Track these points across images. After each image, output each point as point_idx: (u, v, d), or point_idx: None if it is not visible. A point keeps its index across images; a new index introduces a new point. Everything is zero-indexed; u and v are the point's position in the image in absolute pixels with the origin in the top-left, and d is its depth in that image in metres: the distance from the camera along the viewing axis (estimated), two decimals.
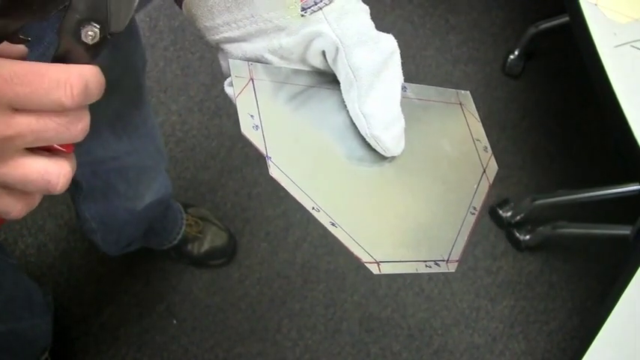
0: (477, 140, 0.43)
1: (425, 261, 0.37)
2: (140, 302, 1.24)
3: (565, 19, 1.45)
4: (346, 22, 0.36)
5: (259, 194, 1.35)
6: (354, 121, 0.38)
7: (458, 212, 0.40)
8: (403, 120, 0.38)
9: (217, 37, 0.40)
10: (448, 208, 0.40)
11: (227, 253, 1.28)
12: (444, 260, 0.37)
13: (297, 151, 0.37)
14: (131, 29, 0.66)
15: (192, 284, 1.27)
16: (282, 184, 0.35)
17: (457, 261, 0.38)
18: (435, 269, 0.37)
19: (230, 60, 0.39)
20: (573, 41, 0.81)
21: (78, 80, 0.28)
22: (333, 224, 0.35)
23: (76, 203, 0.97)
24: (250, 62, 0.39)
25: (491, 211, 1.38)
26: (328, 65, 0.39)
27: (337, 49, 0.37)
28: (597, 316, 0.65)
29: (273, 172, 0.35)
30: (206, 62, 1.49)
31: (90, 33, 0.29)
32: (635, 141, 0.71)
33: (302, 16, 0.37)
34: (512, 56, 1.57)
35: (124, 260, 1.22)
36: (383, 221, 0.37)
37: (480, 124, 0.44)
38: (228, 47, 0.41)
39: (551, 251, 1.37)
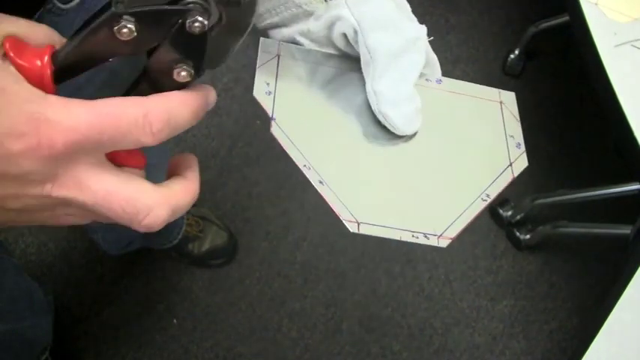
0: (511, 136, 0.45)
1: (413, 231, 0.38)
2: (140, 302, 1.24)
3: (565, 18, 1.45)
4: (365, 8, 0.41)
5: (259, 194, 1.35)
6: (368, 99, 0.42)
7: (468, 195, 0.41)
8: (418, 102, 0.41)
9: (263, 24, 0.45)
10: (459, 190, 0.41)
11: (227, 253, 1.28)
12: (435, 235, 0.38)
13: (304, 119, 0.40)
14: None
15: (192, 284, 1.27)
16: (280, 142, 0.38)
17: (450, 239, 0.38)
18: (422, 241, 0.38)
19: (261, 38, 0.45)
20: (573, 41, 0.81)
21: (158, 116, 0.26)
22: (320, 182, 0.38)
23: None
24: (280, 42, 0.44)
25: (491, 210, 1.38)
26: (353, 48, 0.44)
27: (356, 32, 0.41)
28: (597, 316, 0.65)
29: (274, 130, 0.39)
30: None
31: (183, 73, 0.28)
32: (635, 141, 0.71)
33: (325, 1, 0.43)
34: (512, 56, 1.57)
35: (124, 260, 1.22)
36: (379, 190, 0.40)
37: (519, 124, 0.46)
38: (272, 33, 0.46)
39: (551, 251, 1.37)
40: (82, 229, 1.11)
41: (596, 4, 0.78)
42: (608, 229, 1.24)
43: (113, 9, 0.26)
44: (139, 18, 0.26)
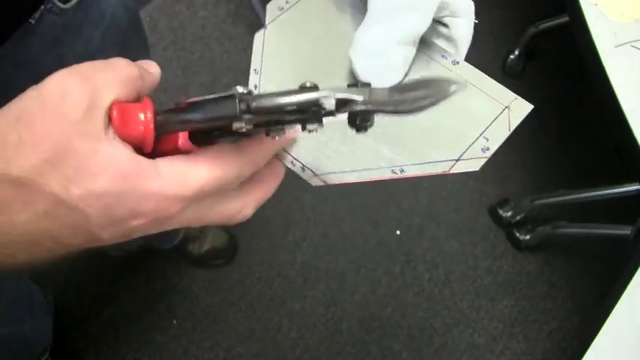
0: (485, 138, 0.43)
1: (295, 158, 0.38)
2: (140, 302, 1.24)
3: (565, 19, 1.45)
4: None
5: None
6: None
7: (380, 161, 0.40)
8: (395, 60, 0.40)
9: None
10: (375, 152, 0.40)
11: (227, 253, 1.28)
12: (313, 172, 0.38)
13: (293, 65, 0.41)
14: (137, 27, 0.66)
15: (192, 284, 1.27)
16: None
17: (325, 183, 0.38)
18: (296, 170, 0.38)
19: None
20: (573, 41, 0.81)
21: (252, 209, 0.30)
22: (255, 87, 0.40)
23: None
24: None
25: (491, 210, 1.38)
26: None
27: None
28: (597, 316, 0.65)
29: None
30: (206, 62, 1.49)
31: (275, 135, 0.28)
32: (635, 141, 0.71)
33: None
34: (512, 56, 1.57)
35: (124, 260, 1.22)
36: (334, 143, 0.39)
37: (505, 134, 0.44)
38: None
39: (551, 251, 1.37)
40: None
41: (596, 4, 0.78)
42: (608, 229, 1.24)
43: (237, 110, 0.26)
44: (259, 119, 0.26)
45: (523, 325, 1.31)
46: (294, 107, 0.26)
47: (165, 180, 0.26)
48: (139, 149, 0.27)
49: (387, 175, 0.38)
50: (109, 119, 0.25)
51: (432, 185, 1.38)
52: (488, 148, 0.43)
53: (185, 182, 0.26)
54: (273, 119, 0.26)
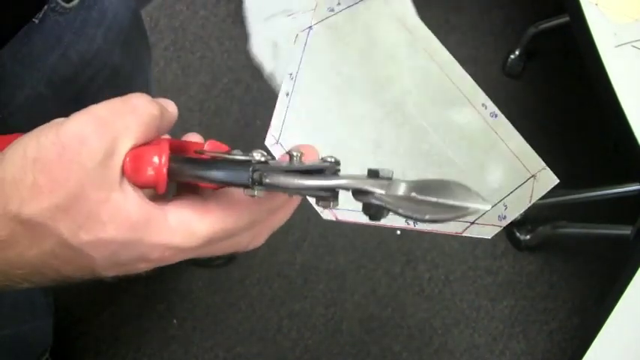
0: (504, 205, 0.40)
1: None
2: (140, 302, 1.24)
3: (565, 19, 1.44)
4: None
5: None
6: None
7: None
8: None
9: None
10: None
11: (227, 254, 1.28)
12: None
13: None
14: (139, 26, 0.66)
15: (192, 284, 1.27)
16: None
17: (335, 219, 0.37)
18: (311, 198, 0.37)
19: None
20: (573, 41, 0.81)
21: (263, 239, 0.31)
22: (287, 94, 0.37)
23: None
24: None
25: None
26: None
27: None
28: (597, 316, 0.65)
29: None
30: (206, 62, 1.49)
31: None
32: (635, 141, 0.71)
33: None
34: (512, 56, 1.57)
35: None
36: (318, 134, 0.37)
37: (526, 205, 0.41)
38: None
39: (551, 251, 1.37)
40: None
41: (596, 4, 0.78)
42: (608, 229, 1.24)
43: (249, 181, 0.25)
44: (270, 189, 0.26)
45: (523, 325, 1.31)
46: (307, 192, 0.26)
47: (173, 231, 0.27)
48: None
49: (399, 224, 0.37)
50: (123, 166, 0.26)
51: None
52: (505, 217, 0.40)
53: (193, 234, 0.27)
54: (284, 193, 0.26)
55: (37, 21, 0.47)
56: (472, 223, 0.38)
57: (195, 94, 1.43)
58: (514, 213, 0.40)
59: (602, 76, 0.74)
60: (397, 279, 1.32)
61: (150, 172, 0.26)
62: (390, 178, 0.26)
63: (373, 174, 0.26)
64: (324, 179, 0.26)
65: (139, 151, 0.26)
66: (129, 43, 0.62)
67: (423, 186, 0.26)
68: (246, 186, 0.26)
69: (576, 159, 1.47)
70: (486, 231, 0.38)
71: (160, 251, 0.27)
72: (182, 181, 0.28)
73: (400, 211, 0.25)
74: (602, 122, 1.51)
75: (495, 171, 0.40)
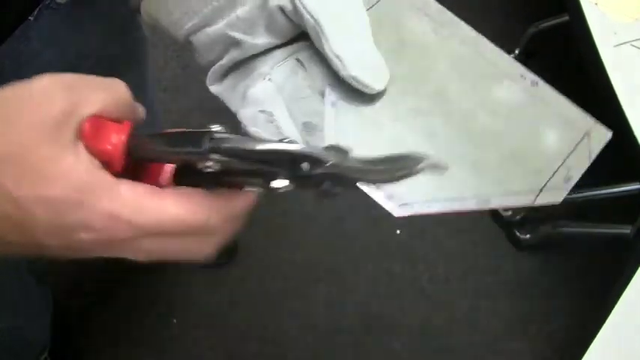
0: (566, 167, 0.39)
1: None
2: (140, 302, 1.24)
3: (565, 18, 1.44)
4: None
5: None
6: (333, 66, 0.36)
7: (465, 189, 0.36)
8: (379, 56, 0.36)
9: (182, 31, 0.38)
10: (459, 180, 0.36)
11: (228, 253, 1.28)
12: (399, 201, 0.34)
13: None
14: (136, 23, 0.66)
15: (192, 284, 1.27)
16: None
17: (411, 214, 0.34)
18: (381, 198, 0.35)
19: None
20: (573, 41, 0.81)
21: (212, 251, 0.29)
22: (333, 104, 0.36)
23: None
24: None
25: (491, 210, 1.38)
26: (294, 24, 0.37)
27: (292, 1, 0.35)
28: (597, 316, 0.65)
29: None
30: None
31: (250, 188, 0.28)
32: (636, 141, 0.71)
33: None
34: (512, 56, 1.57)
35: (124, 260, 1.22)
36: (377, 141, 0.36)
37: (587, 163, 0.40)
38: (195, 39, 0.39)
39: (551, 251, 1.37)
40: None
41: (596, 4, 0.78)
42: (608, 229, 1.24)
43: (202, 147, 0.25)
44: (227, 163, 0.26)
45: (523, 325, 1.31)
46: (264, 156, 0.26)
47: (122, 202, 0.26)
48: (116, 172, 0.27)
49: (472, 206, 0.36)
50: (81, 131, 0.26)
51: None
52: (570, 178, 0.39)
53: (141, 210, 0.26)
54: (242, 168, 0.26)
55: (32, 18, 0.47)
56: (540, 190, 0.38)
57: (196, 94, 1.43)
58: (577, 173, 0.39)
59: (602, 75, 0.74)
60: (397, 279, 1.32)
61: (106, 142, 0.26)
62: (345, 151, 0.28)
63: (330, 147, 0.28)
64: (284, 145, 0.26)
65: (99, 121, 0.26)
66: (126, 40, 0.62)
67: (376, 159, 0.29)
68: (200, 154, 0.25)
69: None
70: (556, 196, 0.38)
71: (104, 220, 0.25)
72: (141, 159, 0.28)
73: (353, 175, 0.28)
74: (602, 122, 1.51)
75: (549, 137, 0.39)
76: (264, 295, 1.27)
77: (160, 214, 0.26)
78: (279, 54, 0.39)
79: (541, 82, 0.41)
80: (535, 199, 0.37)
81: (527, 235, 1.34)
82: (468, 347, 1.27)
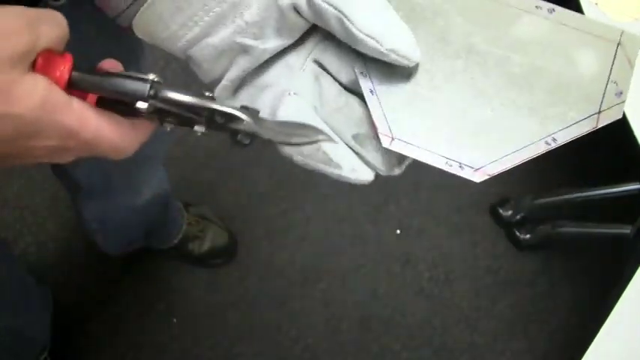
0: (613, 82, 0.38)
1: (448, 158, 0.35)
2: (140, 302, 1.24)
3: None
4: None
5: (259, 194, 1.35)
6: (364, 50, 0.35)
7: (530, 133, 0.37)
8: (404, 24, 0.35)
9: (180, 44, 0.37)
10: (521, 126, 0.36)
11: (228, 253, 1.28)
12: (472, 167, 0.35)
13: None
14: None
15: (192, 284, 1.27)
16: None
17: (488, 175, 0.35)
18: (454, 170, 0.35)
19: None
20: None
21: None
22: (371, 91, 0.36)
23: (77, 205, 0.97)
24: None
25: (491, 209, 1.38)
26: (308, 23, 0.35)
27: None
28: (597, 316, 0.65)
29: None
30: None
31: (168, 126, 0.33)
32: (636, 141, 0.71)
33: None
34: None
35: (123, 260, 1.22)
36: (431, 112, 0.36)
37: (631, 71, 0.39)
38: (197, 52, 0.37)
39: (551, 250, 1.37)
40: (82, 229, 1.11)
41: (596, 4, 0.78)
42: (608, 229, 1.24)
43: (146, 92, 0.31)
44: (159, 106, 0.31)
45: (523, 325, 1.31)
46: (192, 108, 0.32)
47: (75, 116, 0.29)
48: None
49: (542, 147, 0.36)
50: (35, 63, 0.29)
51: (432, 184, 1.38)
52: (621, 92, 0.39)
53: (86, 126, 0.30)
54: (169, 111, 0.32)
55: None
56: (599, 112, 0.38)
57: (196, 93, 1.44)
58: (625, 84, 0.39)
59: None
60: (397, 279, 1.32)
61: (54, 73, 0.29)
62: (257, 111, 0.34)
63: (245, 108, 0.34)
64: (211, 101, 0.32)
65: (50, 53, 0.29)
66: (123, 38, 0.62)
67: (284, 123, 0.35)
68: (142, 98, 0.30)
69: (577, 158, 1.47)
70: (615, 113, 0.38)
71: (60, 131, 0.29)
72: (84, 91, 0.31)
73: (264, 135, 0.34)
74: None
75: (585, 58, 0.39)
76: (264, 295, 1.27)
77: (98, 131, 0.30)
78: (293, 60, 0.38)
79: (558, 8, 0.40)
80: (597, 123, 0.38)
81: (527, 235, 1.34)
82: (468, 347, 1.27)
